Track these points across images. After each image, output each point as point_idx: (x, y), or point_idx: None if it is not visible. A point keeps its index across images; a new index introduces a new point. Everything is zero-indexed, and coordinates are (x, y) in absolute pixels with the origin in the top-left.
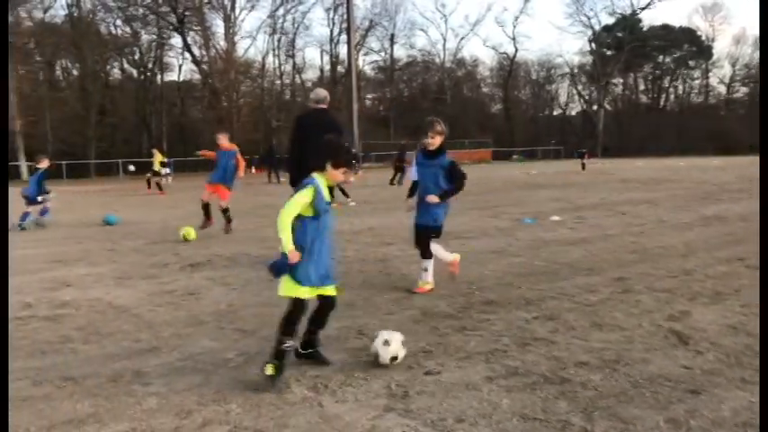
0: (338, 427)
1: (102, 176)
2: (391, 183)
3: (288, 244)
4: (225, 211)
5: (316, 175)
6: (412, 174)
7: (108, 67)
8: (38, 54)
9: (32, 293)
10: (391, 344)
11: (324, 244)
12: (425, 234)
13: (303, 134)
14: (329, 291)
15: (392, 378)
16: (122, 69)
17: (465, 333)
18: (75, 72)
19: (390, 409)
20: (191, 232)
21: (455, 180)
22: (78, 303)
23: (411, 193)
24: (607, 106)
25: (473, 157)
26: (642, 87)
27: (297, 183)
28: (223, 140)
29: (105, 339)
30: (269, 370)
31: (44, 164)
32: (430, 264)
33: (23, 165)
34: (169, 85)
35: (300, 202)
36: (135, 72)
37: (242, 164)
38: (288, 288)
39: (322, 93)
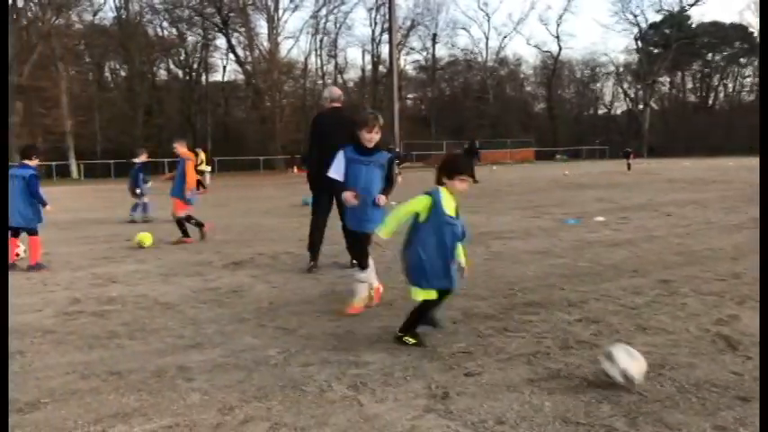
0: (378, 426)
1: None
2: None
3: (383, 228)
4: (179, 222)
5: (440, 188)
6: (333, 170)
7: (154, 68)
8: (87, 56)
9: (81, 289)
10: (619, 358)
11: (438, 251)
12: (365, 241)
13: (322, 134)
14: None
15: (432, 379)
16: (168, 70)
17: (506, 334)
18: (122, 73)
19: (430, 410)
20: (145, 239)
21: (390, 179)
22: (125, 299)
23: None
24: (653, 105)
25: (515, 157)
26: (690, 86)
27: (315, 182)
28: (180, 148)
29: (150, 335)
30: (410, 340)
31: (142, 157)
32: (367, 275)
33: (73, 164)
34: (213, 86)
35: (411, 204)
36: (180, 73)
37: (190, 175)
38: (418, 293)
39: (336, 91)
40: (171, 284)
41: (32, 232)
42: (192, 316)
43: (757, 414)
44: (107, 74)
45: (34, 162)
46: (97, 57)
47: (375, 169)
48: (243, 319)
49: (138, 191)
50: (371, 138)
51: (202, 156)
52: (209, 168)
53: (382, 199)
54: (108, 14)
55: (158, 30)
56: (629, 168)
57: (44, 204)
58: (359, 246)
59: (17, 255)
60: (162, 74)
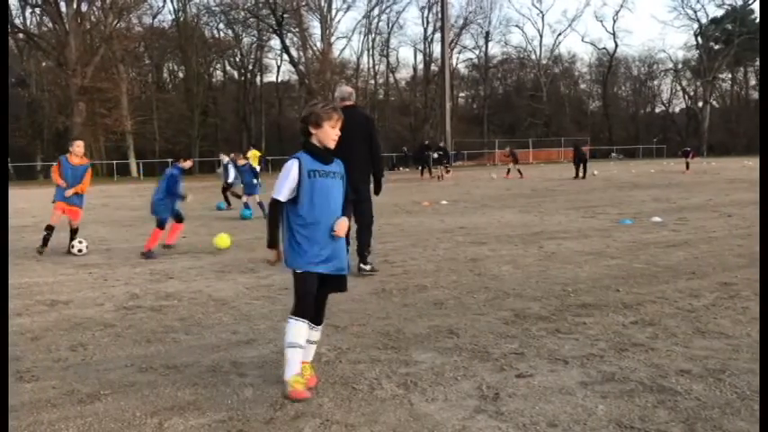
0: (428, 426)
1: (204, 174)
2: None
3: None
4: (72, 231)
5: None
6: (277, 190)
7: (211, 69)
8: (147, 57)
9: (139, 285)
10: None
11: None
12: (343, 286)
13: None
14: None
15: (483, 379)
16: (224, 71)
17: (559, 336)
18: (180, 74)
19: (481, 411)
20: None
21: (347, 196)
22: (181, 295)
23: (274, 232)
24: (714, 103)
25: (569, 156)
26: (753, 82)
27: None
28: (78, 150)
29: (205, 330)
30: None
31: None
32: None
33: (133, 163)
34: (268, 86)
35: None
36: (236, 73)
37: (85, 182)
38: None
39: (347, 90)
40: (225, 281)
41: (160, 224)
42: (245, 312)
43: None
44: (165, 75)
45: (186, 164)
46: (156, 58)
47: (339, 183)
48: None
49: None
50: (336, 136)
51: (256, 153)
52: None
53: (343, 227)
54: (167, 17)
55: (215, 32)
56: (687, 168)
57: (183, 198)
58: (320, 296)
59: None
60: (218, 75)
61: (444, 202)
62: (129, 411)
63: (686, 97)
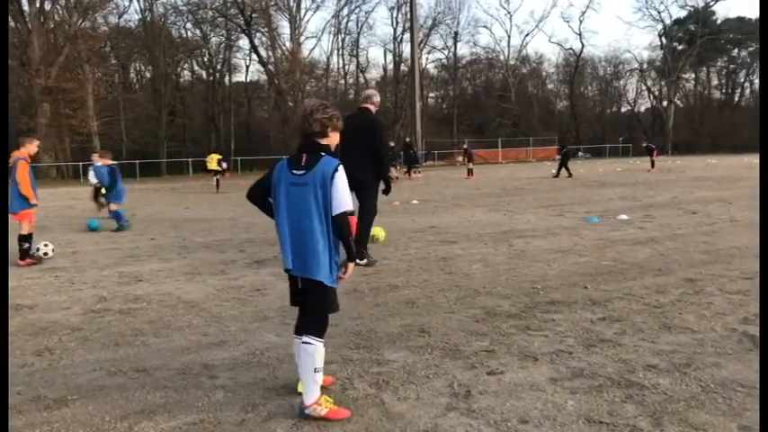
0: (400, 424)
1: (172, 175)
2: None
3: None
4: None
5: None
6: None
7: (179, 69)
8: (113, 57)
9: (107, 288)
10: None
11: None
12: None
13: (343, 135)
14: None
15: (454, 377)
16: (192, 71)
17: (528, 333)
18: (147, 74)
19: (452, 408)
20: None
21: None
22: (150, 298)
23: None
24: (678, 102)
25: (538, 155)
26: (715, 82)
27: (351, 184)
28: (31, 147)
29: (175, 333)
30: None
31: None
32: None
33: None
34: (236, 86)
35: None
36: (204, 74)
37: (23, 180)
38: None
39: (366, 92)
40: (195, 283)
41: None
42: (216, 314)
43: None
44: (132, 75)
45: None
46: (122, 58)
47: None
48: (266, 317)
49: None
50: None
51: (216, 156)
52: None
53: (350, 272)
54: (133, 17)
55: (182, 31)
56: (653, 166)
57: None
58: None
59: None
60: (186, 75)
61: (415, 201)
62: (97, 416)
63: (651, 97)
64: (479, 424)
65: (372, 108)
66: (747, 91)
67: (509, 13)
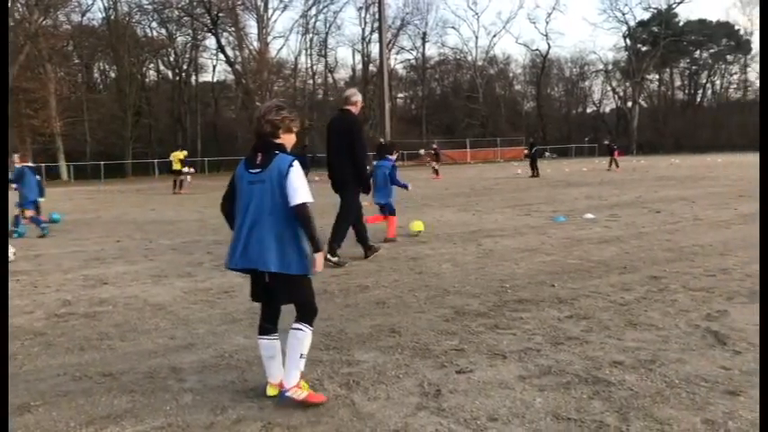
0: (370, 424)
1: (138, 176)
2: None
3: None
4: None
5: None
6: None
7: (144, 68)
8: (76, 57)
9: (71, 291)
10: None
11: None
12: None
13: (328, 137)
14: None
15: (424, 376)
16: (158, 71)
17: (497, 331)
18: (111, 74)
19: (423, 408)
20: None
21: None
22: (116, 301)
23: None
24: (642, 103)
25: (506, 156)
26: (678, 83)
27: (335, 184)
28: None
29: (142, 336)
30: None
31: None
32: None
33: (63, 165)
34: (203, 86)
35: None
36: (170, 73)
37: None
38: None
39: (345, 93)
40: (162, 285)
41: (392, 212)
42: (183, 317)
43: (746, 408)
44: (96, 75)
45: (394, 155)
46: (86, 58)
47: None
48: (234, 319)
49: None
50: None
51: (179, 155)
52: (186, 169)
53: (318, 263)
54: (96, 15)
55: (147, 30)
56: (614, 165)
57: (405, 187)
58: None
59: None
60: (151, 74)
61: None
62: (62, 422)
63: (616, 97)
64: (449, 422)
65: (353, 109)
66: (709, 92)
67: (476, 14)
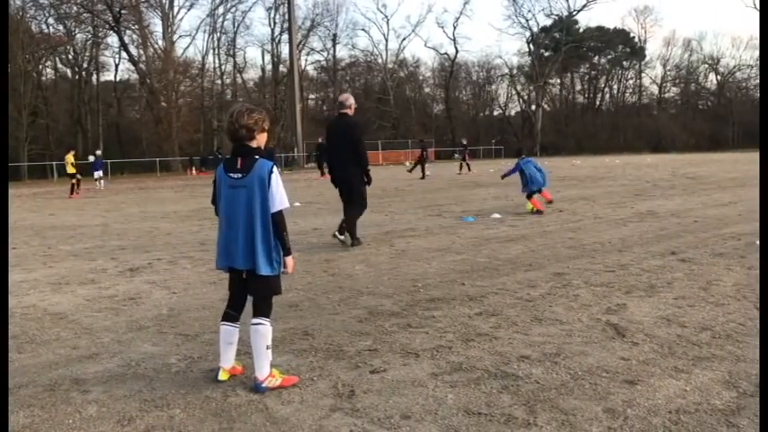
0: (284, 429)
1: (35, 179)
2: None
3: None
4: None
5: None
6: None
7: (40, 66)
8: None
9: None
10: None
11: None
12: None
13: (327, 140)
14: None
15: (338, 378)
16: (55, 69)
17: (410, 330)
18: None
19: (337, 409)
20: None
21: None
22: (12, 311)
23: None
24: (545, 106)
25: (416, 157)
26: (579, 87)
27: (340, 181)
28: None
29: (41, 347)
30: None
31: None
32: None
33: None
34: (105, 86)
35: None
36: (69, 72)
37: None
38: None
39: (341, 97)
40: (63, 293)
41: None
42: (86, 325)
43: (643, 396)
44: None
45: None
46: None
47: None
48: (141, 326)
49: None
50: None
51: (71, 158)
52: (98, 173)
53: (290, 265)
54: None
55: (43, 26)
56: (466, 169)
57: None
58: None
59: None
60: (48, 73)
61: (297, 204)
62: None
63: (521, 101)
64: (363, 422)
65: (349, 112)
66: (607, 96)
67: (386, 17)
